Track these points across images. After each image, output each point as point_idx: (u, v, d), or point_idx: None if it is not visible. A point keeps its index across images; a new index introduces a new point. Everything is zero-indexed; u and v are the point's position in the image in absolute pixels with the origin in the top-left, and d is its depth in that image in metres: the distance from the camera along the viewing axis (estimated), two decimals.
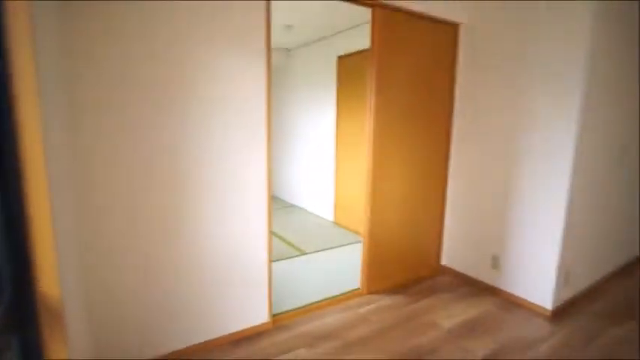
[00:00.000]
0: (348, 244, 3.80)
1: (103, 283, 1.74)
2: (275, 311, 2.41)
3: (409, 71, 2.66)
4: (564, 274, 2.50)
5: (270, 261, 2.24)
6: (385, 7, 2.41)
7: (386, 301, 2.67)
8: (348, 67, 4.09)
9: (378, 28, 2.43)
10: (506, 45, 2.58)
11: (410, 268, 2.98)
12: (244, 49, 1.94)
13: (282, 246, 3.75)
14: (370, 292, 2.77)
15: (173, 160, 1.82)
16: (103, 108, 1.63)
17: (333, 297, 2.66)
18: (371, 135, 2.56)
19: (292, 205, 5.46)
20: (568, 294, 2.61)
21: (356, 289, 2.77)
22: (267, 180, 2.13)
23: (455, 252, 3.09)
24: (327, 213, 4.73)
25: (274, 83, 5.69)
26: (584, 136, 2.34)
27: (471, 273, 2.97)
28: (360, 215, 2.99)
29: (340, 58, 4.20)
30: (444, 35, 2.80)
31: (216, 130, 1.92)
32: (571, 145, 2.29)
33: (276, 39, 4.59)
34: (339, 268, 3.19)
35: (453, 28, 2.83)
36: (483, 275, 2.88)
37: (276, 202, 5.64)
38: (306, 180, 5.17)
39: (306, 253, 3.55)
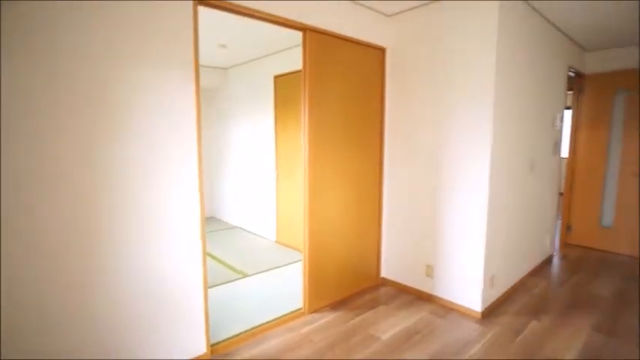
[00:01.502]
0: (290, 263, 3.76)
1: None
2: (214, 340, 2.29)
3: (341, 92, 2.76)
4: (490, 278, 2.71)
5: (206, 287, 2.13)
6: (315, 30, 2.50)
7: (328, 318, 2.66)
8: (285, 86, 4.14)
9: (309, 51, 2.51)
10: (428, 67, 2.80)
11: (351, 283, 3.02)
12: (169, 62, 1.87)
13: (222, 269, 3.60)
14: (313, 311, 2.75)
15: (88, 174, 1.66)
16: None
17: (276, 319, 2.59)
18: (306, 154, 2.59)
19: (234, 227, 5.29)
20: (494, 295, 2.81)
21: (298, 309, 2.73)
22: (200, 200, 2.04)
23: (393, 263, 3.20)
24: (269, 233, 4.65)
25: (211, 104, 5.57)
26: (497, 153, 2.59)
27: (409, 282, 3.08)
28: (302, 233, 2.97)
29: (277, 77, 4.25)
30: (373, 58, 2.97)
31: (140, 146, 1.81)
32: (487, 162, 2.52)
33: (211, 57, 4.52)
34: (281, 289, 3.13)
35: (380, 51, 3.02)
36: (419, 284, 3.00)
37: (217, 224, 5.44)
38: (247, 200, 5.06)
39: (248, 276, 3.44)
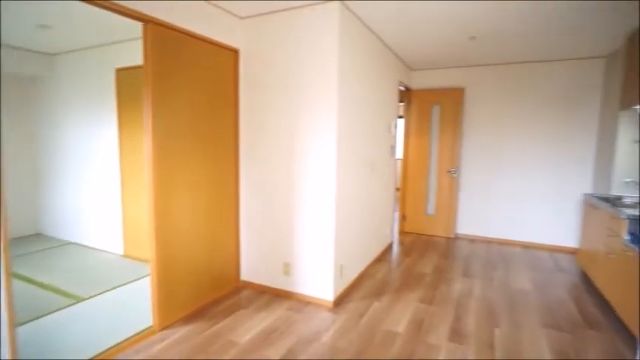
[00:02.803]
0: (140, 277, 3.38)
1: None
2: None
3: (192, 92, 2.62)
4: (339, 269, 2.97)
5: (12, 324, 1.72)
6: (159, 24, 2.31)
7: (183, 332, 2.49)
8: (130, 81, 3.71)
9: (151, 45, 2.29)
10: (279, 71, 2.90)
11: (208, 291, 2.90)
12: None
13: (49, 296, 2.99)
14: (165, 327, 2.53)
15: None
16: None
17: (118, 344, 2.28)
18: (149, 157, 2.36)
19: (68, 243, 4.46)
20: (344, 284, 3.11)
21: (148, 328, 2.48)
22: (2, 213, 1.65)
23: (253, 265, 3.21)
24: (114, 246, 4.09)
25: (31, 95, 4.58)
26: (343, 155, 2.87)
27: (269, 282, 3.14)
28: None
29: (120, 70, 3.77)
30: (226, 59, 2.92)
31: None
32: (334, 163, 2.76)
33: (30, 39, 3.72)
34: (128, 308, 2.78)
35: (234, 53, 2.98)
36: (278, 283, 3.09)
37: (45, 242, 4.50)
38: (86, 210, 4.34)
39: (84, 299, 2.94)
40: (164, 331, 2.49)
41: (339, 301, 2.97)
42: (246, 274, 3.25)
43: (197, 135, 2.69)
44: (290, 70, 2.86)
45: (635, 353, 2.27)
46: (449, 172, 4.97)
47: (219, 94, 2.88)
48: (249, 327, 2.56)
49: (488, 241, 4.85)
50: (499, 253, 4.39)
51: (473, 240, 4.92)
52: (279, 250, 3.06)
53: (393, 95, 4.25)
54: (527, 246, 4.66)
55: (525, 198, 4.67)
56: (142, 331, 2.44)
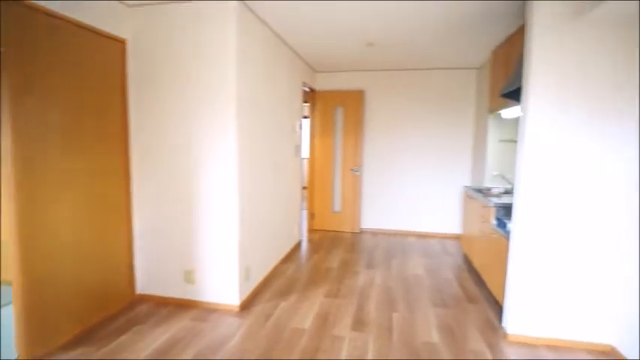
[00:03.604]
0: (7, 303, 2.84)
1: None
2: None
3: (72, 88, 2.28)
4: (245, 272, 2.91)
5: None
6: (21, 5, 1.96)
7: None
8: None
9: (6, 27, 1.94)
10: (175, 67, 2.71)
11: (96, 310, 2.58)
12: None
13: None
14: (37, 357, 2.17)
15: None
16: None
17: None
18: (10, 162, 2.00)
19: None
20: (251, 287, 3.05)
21: None
22: None
23: (150, 277, 2.95)
24: None
25: None
26: (245, 155, 2.81)
27: (169, 293, 2.92)
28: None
29: None
30: (112, 51, 2.61)
31: None
32: (235, 164, 2.68)
33: None
34: None
35: (120, 44, 2.69)
36: (180, 292, 2.90)
37: None
38: None
39: None
40: None
41: (246, 305, 2.90)
42: (143, 287, 2.97)
43: (78, 135, 2.36)
44: (186, 67, 2.69)
45: (500, 319, 2.67)
46: (352, 170, 5.24)
47: (104, 89, 2.56)
48: (148, 343, 2.34)
49: (389, 234, 5.25)
50: (398, 243, 4.78)
51: (376, 233, 5.27)
52: (180, 258, 2.87)
53: (297, 96, 4.31)
54: (421, 235, 5.17)
55: (418, 192, 5.17)
56: None
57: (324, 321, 2.67)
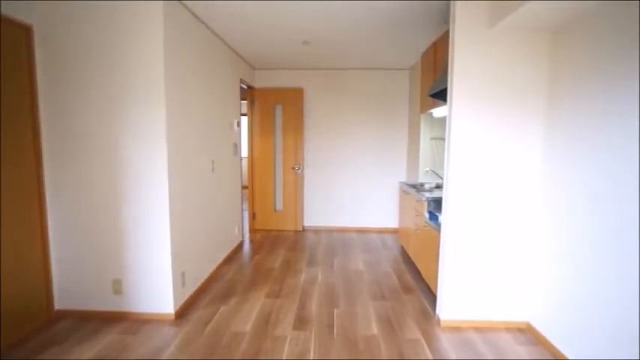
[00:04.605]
0: None
1: None
2: None
3: None
4: (180, 277, 2.75)
5: None
6: None
7: None
8: None
9: None
10: (93, 61, 2.47)
11: (5, 331, 2.27)
12: None
13: None
14: None
15: None
16: None
17: None
18: None
19: None
20: (187, 293, 2.90)
21: None
22: None
23: (71, 290, 2.66)
24: None
25: None
26: (177, 156, 2.66)
27: (94, 307, 2.67)
28: None
29: None
30: (13, 38, 2.30)
31: None
32: (165, 165, 2.52)
33: None
34: None
35: (24, 30, 2.38)
36: (107, 304, 2.66)
37: None
38: None
39: None
40: None
41: (182, 312, 2.75)
42: (63, 301, 2.68)
43: None
44: (108, 61, 2.46)
45: (434, 307, 2.84)
46: (293, 168, 5.23)
47: (7, 82, 2.25)
48: None
49: (331, 230, 5.33)
50: (339, 239, 4.87)
51: (318, 230, 5.32)
52: (106, 267, 2.63)
53: (234, 93, 4.18)
54: (362, 231, 5.32)
55: (358, 189, 5.31)
56: None
57: (265, 322, 2.62)
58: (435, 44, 3.52)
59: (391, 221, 5.32)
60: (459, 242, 2.54)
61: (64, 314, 2.68)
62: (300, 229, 5.32)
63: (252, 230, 5.29)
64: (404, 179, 5.25)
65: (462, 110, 2.45)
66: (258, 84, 5.20)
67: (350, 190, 5.32)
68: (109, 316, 2.66)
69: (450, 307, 2.60)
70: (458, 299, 2.59)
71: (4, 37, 2.24)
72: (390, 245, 4.63)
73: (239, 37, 3.56)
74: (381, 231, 5.31)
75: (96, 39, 2.45)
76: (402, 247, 4.39)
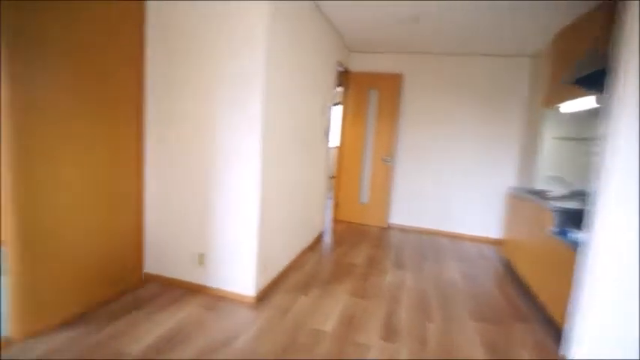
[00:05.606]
0: None
1: None
2: None
3: (76, 50, 2.00)
4: (264, 260, 2.60)
5: None
6: None
7: (56, 342, 1.93)
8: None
9: None
10: (198, 33, 2.40)
11: (100, 287, 2.34)
12: None
13: None
14: (30, 335, 1.94)
15: None
16: None
17: None
18: (6, 121, 1.75)
19: None
20: (269, 277, 2.74)
21: (2, 338, 1.87)
22: None
23: (160, 256, 2.69)
24: None
25: None
26: (270, 135, 2.48)
27: (178, 275, 2.66)
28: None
29: None
30: (124, 12, 2.31)
31: None
32: (259, 144, 2.35)
33: None
34: None
35: (137, 4, 2.39)
36: (190, 275, 2.63)
37: None
38: None
39: None
40: (28, 341, 1.91)
41: (262, 297, 2.60)
42: (152, 266, 2.72)
43: (82, 93, 2.09)
44: (209, 35, 2.36)
45: (559, 346, 2.26)
46: (383, 160, 4.84)
47: (111, 53, 2.27)
48: (147, 330, 2.08)
49: (419, 231, 4.84)
50: (429, 243, 4.37)
51: (405, 230, 4.87)
52: (191, 239, 2.59)
53: (330, 75, 3.93)
54: (453, 236, 4.73)
55: (454, 189, 4.72)
56: None
57: (347, 324, 2.33)
58: (573, 25, 2.83)
59: (491, 230, 4.63)
60: (617, 271, 1.92)
61: (152, 278, 2.72)
62: (385, 225, 4.93)
63: (334, 220, 5.06)
64: (513, 184, 4.52)
65: (631, 101, 1.82)
66: (353, 67, 4.89)
67: (444, 190, 4.75)
68: (190, 287, 2.62)
69: (588, 348, 2.01)
70: (603, 342, 1.99)
71: (120, 6, 2.26)
72: (489, 257, 4.00)
73: (342, 11, 3.27)
74: (477, 239, 4.66)
75: (201, 17, 2.37)
76: (508, 261, 3.74)
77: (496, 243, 4.55)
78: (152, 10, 2.47)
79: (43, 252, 1.95)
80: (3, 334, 1.88)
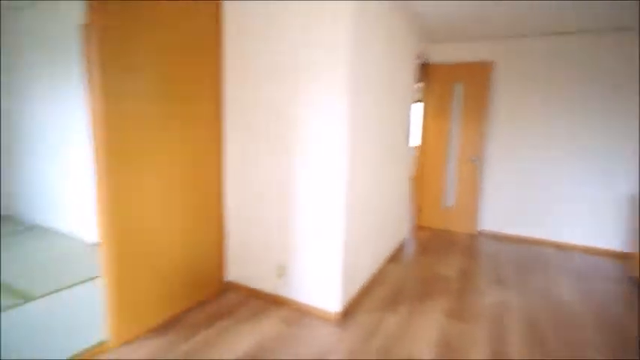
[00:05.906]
0: None
1: None
2: None
3: (159, 53, 2.00)
4: (348, 273, 2.40)
5: None
6: None
7: (148, 348, 1.94)
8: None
9: None
10: (279, 24, 2.28)
11: (184, 294, 2.34)
12: None
13: None
14: (125, 341, 1.98)
15: None
16: None
17: None
18: (99, 122, 1.78)
19: (35, 227, 3.92)
20: (353, 291, 2.53)
21: (101, 343, 1.93)
22: None
23: (240, 265, 2.64)
24: (87, 232, 3.54)
25: None
26: (354, 140, 2.27)
27: (259, 286, 2.58)
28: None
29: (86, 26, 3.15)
30: (204, 11, 2.27)
31: None
32: (344, 149, 2.15)
33: None
34: (84, 312, 2.23)
35: (214, 4, 2.35)
36: (270, 286, 2.53)
37: (9, 225, 3.96)
38: (58, 191, 3.78)
39: (35, 299, 2.40)
40: (124, 347, 1.95)
41: (347, 313, 2.40)
42: (232, 274, 2.68)
43: (168, 100, 2.09)
44: (291, 29, 2.23)
45: None
46: (471, 160, 4.35)
47: (195, 55, 2.25)
48: (232, 343, 2.01)
49: (517, 240, 4.25)
50: (531, 254, 3.79)
51: (499, 238, 4.32)
52: (272, 250, 2.49)
53: (409, 69, 3.60)
54: (560, 246, 4.06)
55: (561, 193, 4.04)
56: (95, 347, 1.89)
57: (447, 351, 2.02)
58: None
59: (609, 240, 3.87)
60: None
61: (232, 287, 2.68)
62: (475, 232, 4.42)
63: (417, 227, 4.69)
64: (636, 187, 3.72)
65: None
66: (434, 59, 4.47)
67: (547, 193, 4.10)
68: (270, 299, 2.52)
69: None
70: None
71: (200, 8, 2.23)
72: (609, 272, 3.32)
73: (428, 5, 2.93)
74: (590, 251, 3.94)
75: (282, 9, 2.24)
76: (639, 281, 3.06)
77: (620, 256, 3.79)
78: (229, 12, 2.41)
79: (134, 256, 1.98)
80: (99, 340, 1.94)
